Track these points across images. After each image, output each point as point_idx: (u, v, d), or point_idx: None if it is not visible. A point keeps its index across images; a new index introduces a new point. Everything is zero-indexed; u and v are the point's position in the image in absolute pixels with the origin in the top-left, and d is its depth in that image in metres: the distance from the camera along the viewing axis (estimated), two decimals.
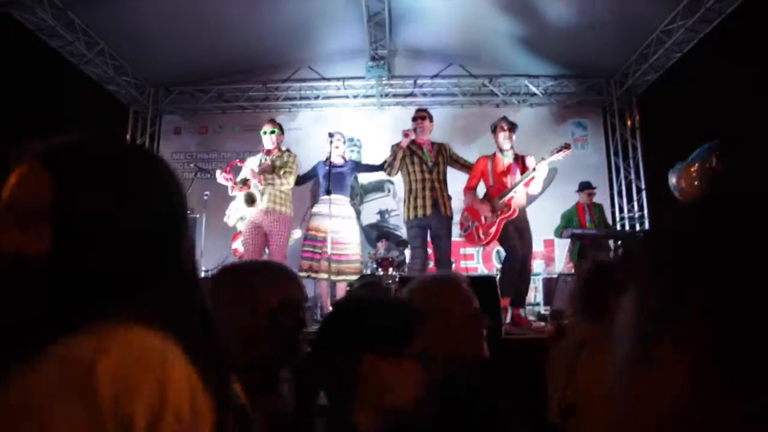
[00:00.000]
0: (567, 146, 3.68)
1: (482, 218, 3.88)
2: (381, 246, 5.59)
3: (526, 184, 3.78)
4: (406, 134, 4.03)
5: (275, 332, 1.02)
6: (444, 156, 4.17)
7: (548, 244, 6.58)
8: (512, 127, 3.96)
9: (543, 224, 5.72)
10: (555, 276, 5.02)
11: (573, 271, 4.94)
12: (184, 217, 0.67)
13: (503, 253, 3.79)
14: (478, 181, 4.01)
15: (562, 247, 6.19)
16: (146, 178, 0.64)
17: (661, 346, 0.31)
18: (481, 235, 3.88)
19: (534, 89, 7.12)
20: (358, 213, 6.29)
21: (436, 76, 7.11)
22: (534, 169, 3.70)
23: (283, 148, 4.25)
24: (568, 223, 5.43)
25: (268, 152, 4.24)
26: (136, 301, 0.59)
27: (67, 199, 0.57)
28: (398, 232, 6.40)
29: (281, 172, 4.04)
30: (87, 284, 0.57)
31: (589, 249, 5.09)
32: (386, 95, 7.20)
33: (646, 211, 6.88)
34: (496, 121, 4.06)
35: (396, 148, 4.11)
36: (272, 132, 4.27)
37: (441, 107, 7.09)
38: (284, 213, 4.07)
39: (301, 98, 7.27)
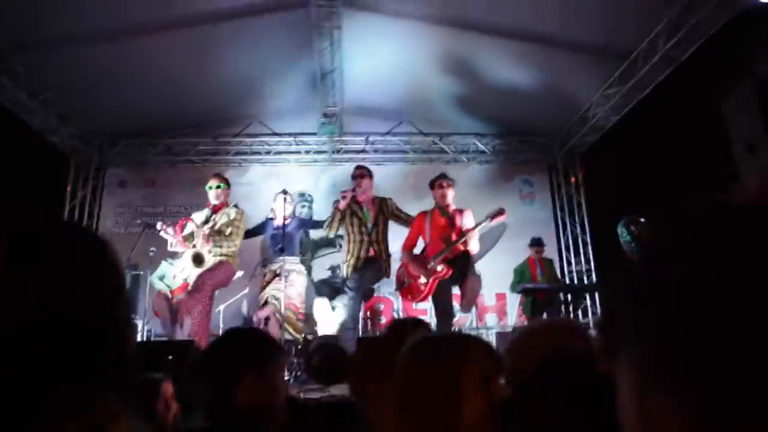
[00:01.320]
0: (501, 212, 3.66)
1: (417, 276, 3.85)
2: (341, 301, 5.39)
3: (460, 246, 3.73)
4: (343, 196, 4.00)
5: None
6: (385, 213, 4.12)
7: (500, 297, 6.59)
8: (450, 184, 3.94)
9: (496, 277, 5.79)
10: (509, 330, 5.14)
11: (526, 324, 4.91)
12: (120, 294, 0.65)
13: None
14: (416, 238, 3.96)
15: (514, 301, 6.25)
16: (74, 261, 0.61)
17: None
18: (418, 292, 3.88)
19: (482, 147, 7.26)
20: (309, 269, 6.17)
21: (387, 133, 7.17)
22: (463, 235, 3.70)
23: (230, 204, 4.18)
24: (520, 278, 5.50)
25: (215, 208, 4.16)
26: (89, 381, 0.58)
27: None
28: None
29: (228, 231, 3.98)
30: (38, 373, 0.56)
31: (542, 303, 5.18)
32: (338, 151, 7.21)
33: (592, 264, 7.00)
34: (434, 177, 4.03)
35: (335, 209, 4.09)
36: (218, 187, 4.18)
37: (392, 164, 7.18)
38: (232, 264, 4.03)
39: (252, 153, 7.21)
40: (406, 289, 3.94)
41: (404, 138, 7.16)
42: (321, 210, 6.69)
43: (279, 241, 4.21)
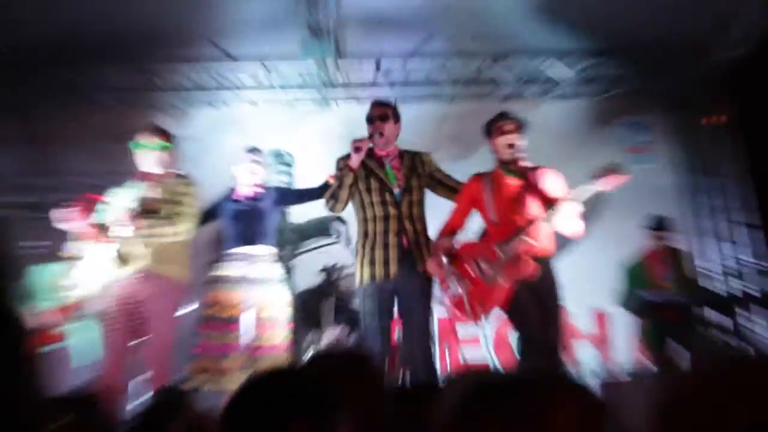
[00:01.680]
0: (614, 170, 3.65)
1: (476, 275, 3.88)
2: (334, 331, 5.76)
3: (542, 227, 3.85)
4: (357, 148, 4.04)
5: None
6: (421, 175, 4.19)
7: (599, 316, 6.55)
8: (518, 126, 3.98)
9: (589, 286, 5.71)
10: (620, 379, 4.91)
11: (654, 365, 5.03)
12: None
13: None
14: (465, 215, 4.06)
15: (624, 324, 6.04)
16: None
17: None
18: (475, 306, 3.87)
19: (562, 73, 7.03)
20: (289, 272, 6.19)
21: (410, 55, 6.92)
22: (554, 206, 3.73)
23: (179, 173, 4.32)
24: (634, 284, 5.40)
25: (150, 180, 4.20)
26: None
27: None
28: (353, 306, 6.18)
29: (172, 213, 4.12)
30: None
31: (675, 328, 5.05)
32: (333, 85, 7.13)
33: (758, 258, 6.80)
34: (491, 119, 4.08)
35: (343, 169, 4.13)
36: (159, 147, 4.27)
37: (418, 103, 7.09)
38: (173, 277, 4.11)
39: (199, 89, 7.10)
40: (456, 301, 3.97)
41: (436, 62, 7.00)
42: (307, 178, 6.44)
43: (244, 225, 4.37)
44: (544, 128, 6.65)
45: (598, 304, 6.32)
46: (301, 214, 6.45)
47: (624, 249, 5.76)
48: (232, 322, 4.19)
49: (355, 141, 4.10)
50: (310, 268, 6.63)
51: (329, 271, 6.64)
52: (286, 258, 6.18)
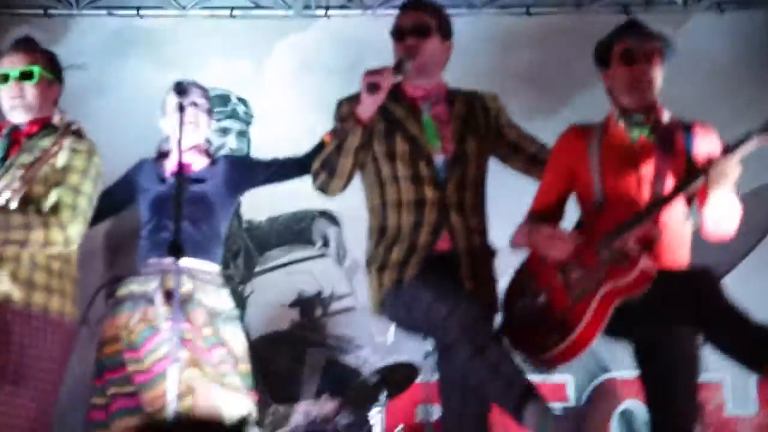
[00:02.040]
0: None
1: (560, 284, 3.79)
2: (321, 406, 5.75)
3: (693, 200, 3.78)
4: (372, 84, 3.70)
5: None
6: (484, 134, 4.11)
7: None
8: (655, 50, 3.79)
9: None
10: None
11: None
12: None
13: None
14: (561, 191, 4.00)
15: None
16: None
17: None
18: (554, 332, 3.72)
19: None
20: (243, 301, 6.41)
21: None
22: (704, 171, 3.52)
23: (71, 127, 4.08)
24: None
25: (16, 135, 4.02)
26: None
27: None
28: (355, 361, 6.37)
29: (62, 202, 3.88)
30: None
31: None
32: None
33: None
34: (609, 35, 3.96)
35: (346, 120, 3.96)
36: (25, 77, 4.00)
37: (468, 15, 6.94)
38: (52, 311, 3.86)
39: None
40: (525, 321, 3.92)
41: None
42: (274, 139, 6.41)
43: (169, 223, 4.27)
44: (692, 60, 6.41)
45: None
46: (262, 206, 6.37)
47: None
48: (141, 371, 4.08)
49: (370, 73, 3.72)
50: (275, 298, 6.58)
51: (309, 302, 6.57)
52: (234, 280, 6.40)
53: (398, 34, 4.02)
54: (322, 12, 6.98)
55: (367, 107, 3.76)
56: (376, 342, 5.92)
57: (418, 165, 3.92)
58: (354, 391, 5.60)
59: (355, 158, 3.87)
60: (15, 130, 4.00)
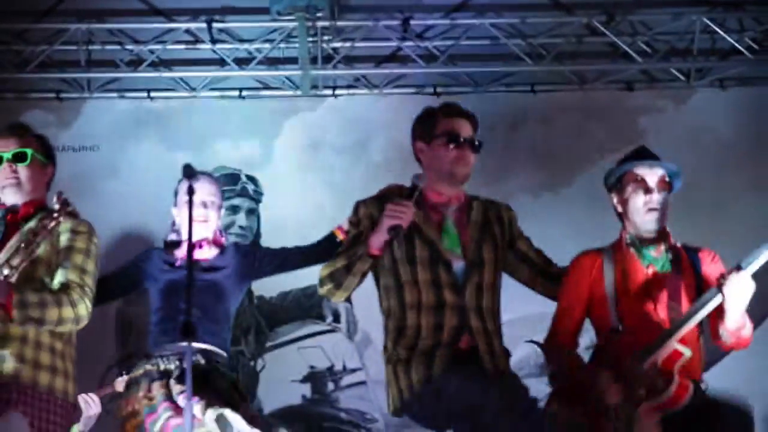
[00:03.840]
0: None
1: (593, 412, 3.92)
2: None
3: (713, 328, 3.90)
4: (395, 226, 3.92)
5: None
6: (498, 241, 4.23)
7: None
8: (665, 180, 4.04)
9: None
10: None
11: None
12: None
13: None
14: (580, 315, 4.14)
15: None
16: None
17: None
18: None
19: (731, 37, 6.95)
20: (256, 378, 6.56)
21: (460, 6, 7.00)
22: (719, 288, 3.70)
23: (54, 206, 4.04)
24: None
25: (13, 220, 4.09)
26: None
27: None
28: None
29: (59, 282, 3.95)
30: None
31: None
32: (327, 59, 7.07)
33: None
34: (622, 160, 4.17)
35: (365, 215, 4.14)
36: (18, 159, 4.10)
37: (472, 93, 7.04)
38: (57, 391, 3.93)
39: (95, 65, 7.09)
40: None
41: (505, 18, 7.00)
42: (283, 223, 6.66)
43: (180, 311, 4.15)
44: (695, 134, 6.89)
45: None
46: (272, 281, 5.97)
47: None
48: (146, 416, 4.15)
49: (394, 210, 3.86)
50: (286, 373, 6.70)
51: (321, 377, 6.74)
52: (246, 356, 6.53)
53: (450, 138, 4.07)
54: (329, 91, 7.13)
55: (380, 242, 3.90)
56: (389, 416, 5.90)
57: (438, 270, 4.01)
58: None
59: (361, 280, 4.00)
60: (10, 212, 4.07)
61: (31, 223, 3.96)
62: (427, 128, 4.18)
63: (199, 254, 4.48)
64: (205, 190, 4.47)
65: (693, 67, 7.06)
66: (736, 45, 6.93)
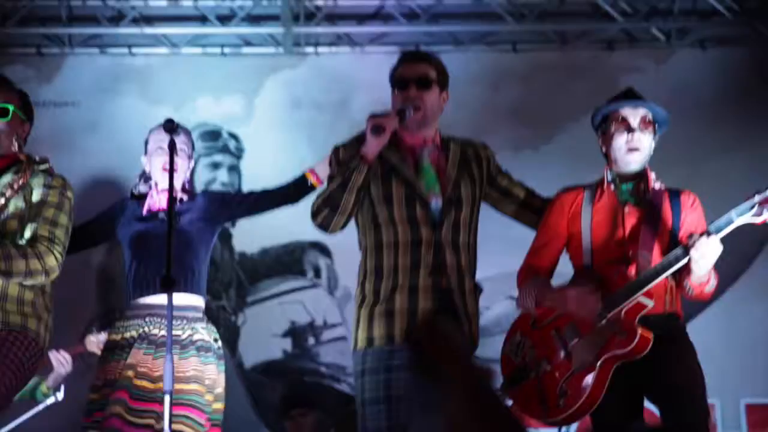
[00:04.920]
0: None
1: (560, 352, 4.04)
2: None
3: (685, 277, 3.92)
4: (377, 127, 3.98)
5: None
6: (475, 179, 4.31)
7: (758, 414, 6.74)
8: (649, 121, 4.10)
9: (740, 371, 6.20)
10: None
11: None
12: None
13: None
14: (558, 250, 4.22)
15: None
16: None
17: None
18: (558, 398, 3.97)
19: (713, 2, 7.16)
20: (236, 333, 6.72)
21: None
22: (686, 249, 3.80)
23: (39, 162, 4.24)
24: None
25: None
26: None
27: None
28: (348, 389, 6.57)
29: (28, 236, 4.05)
30: None
31: None
32: (309, 16, 7.23)
33: None
34: (608, 101, 4.22)
35: (345, 157, 4.20)
36: (6, 114, 4.12)
37: (455, 51, 7.23)
38: (30, 328, 4.05)
39: (76, 20, 7.25)
40: (527, 387, 4.09)
41: None
42: (261, 175, 6.41)
43: (157, 258, 4.27)
44: (675, 94, 6.84)
45: (754, 396, 6.56)
46: (253, 237, 6.62)
47: None
48: (139, 412, 4.16)
49: (375, 116, 3.96)
50: (267, 328, 6.87)
51: (300, 333, 6.90)
52: (227, 311, 6.66)
53: (400, 83, 4.20)
54: (311, 49, 7.32)
55: (372, 147, 3.99)
56: None
57: (414, 207, 4.09)
58: (348, 420, 5.46)
59: (357, 196, 4.05)
60: None
61: (5, 179, 4.05)
62: (390, 77, 4.31)
63: (160, 204, 4.58)
64: (177, 137, 4.49)
65: (673, 27, 7.20)
66: (717, 6, 7.02)
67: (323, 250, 6.83)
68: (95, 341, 5.26)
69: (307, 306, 6.79)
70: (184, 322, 4.40)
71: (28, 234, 4.02)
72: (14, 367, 3.99)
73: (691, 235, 3.81)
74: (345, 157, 4.17)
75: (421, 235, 4.06)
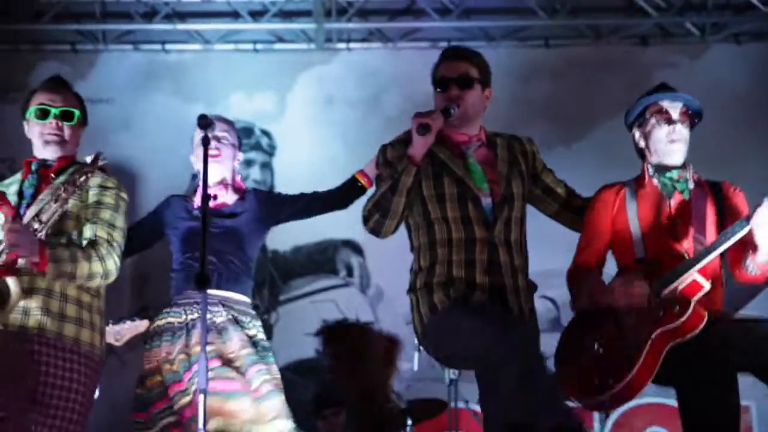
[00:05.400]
0: None
1: (614, 333, 3.99)
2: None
3: (737, 261, 3.86)
4: (423, 125, 3.90)
5: None
6: (524, 175, 4.24)
7: None
8: (688, 112, 4.03)
9: None
10: None
11: None
12: None
13: None
14: (602, 250, 4.17)
15: None
16: None
17: None
18: (608, 378, 3.87)
19: None
20: (269, 332, 6.29)
21: None
22: (747, 220, 3.69)
23: (100, 164, 4.18)
24: None
25: (45, 174, 4.06)
26: None
27: None
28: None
29: (87, 237, 3.99)
30: None
31: None
32: (341, 12, 7.36)
33: None
34: (644, 95, 4.12)
35: (393, 157, 4.15)
36: (66, 117, 4.07)
37: (488, 47, 7.14)
38: (83, 343, 3.97)
39: (110, 17, 7.39)
40: (574, 366, 4.06)
41: None
42: (296, 176, 6.64)
43: (195, 256, 4.22)
44: (710, 90, 6.75)
45: None
46: (286, 236, 6.51)
47: None
48: (185, 371, 4.13)
49: (420, 114, 3.89)
50: (300, 326, 6.87)
51: (332, 330, 6.88)
52: (260, 309, 6.40)
53: (442, 83, 4.18)
54: (343, 45, 7.41)
55: (419, 148, 3.94)
56: (401, 369, 5.97)
57: (466, 205, 4.07)
58: (382, 418, 5.73)
59: (407, 198, 4.01)
60: (43, 166, 4.11)
61: (62, 178, 4.04)
62: (432, 76, 4.27)
63: (220, 198, 4.51)
64: (217, 127, 4.45)
65: (708, 22, 7.22)
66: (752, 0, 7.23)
67: (356, 248, 6.83)
68: (111, 332, 5.20)
69: (340, 305, 6.80)
70: (250, 318, 4.45)
71: (87, 234, 3.99)
72: (76, 397, 3.97)
73: (750, 210, 3.78)
74: (392, 157, 4.14)
75: (474, 234, 4.04)
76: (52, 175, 4.06)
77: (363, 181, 4.42)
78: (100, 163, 4.10)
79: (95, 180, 4.04)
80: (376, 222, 4.01)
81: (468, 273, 4.00)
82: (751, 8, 7.11)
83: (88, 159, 4.11)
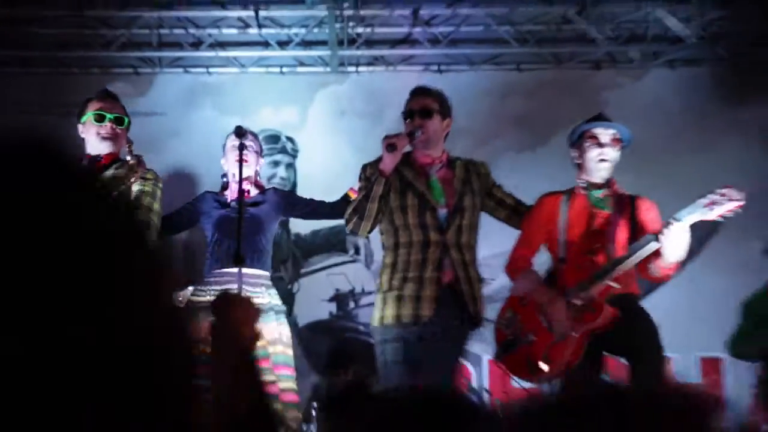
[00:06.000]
0: (731, 197, 4.04)
1: (542, 324, 4.33)
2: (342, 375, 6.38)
3: (643, 264, 4.24)
4: (390, 145, 4.39)
5: None
6: (476, 192, 4.63)
7: (709, 365, 6.98)
8: (616, 139, 4.41)
9: (695, 328, 6.39)
10: None
11: None
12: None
13: None
14: (537, 246, 4.54)
15: (739, 375, 6.37)
16: None
17: None
18: (540, 362, 4.26)
19: (676, 28, 7.31)
20: (292, 299, 7.02)
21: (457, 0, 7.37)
22: (657, 237, 4.08)
23: (132, 160, 4.61)
24: (759, 325, 5.36)
25: (98, 165, 4.53)
26: None
27: None
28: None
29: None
30: None
31: None
32: (351, 42, 7.66)
33: None
34: (580, 123, 4.53)
35: (371, 173, 4.53)
36: (118, 122, 4.64)
37: (470, 70, 7.69)
38: None
39: (164, 46, 7.71)
40: (517, 354, 4.41)
41: (498, 10, 7.42)
42: (312, 173, 7.32)
43: (231, 240, 4.60)
44: (649, 107, 7.42)
45: (706, 350, 6.78)
46: (306, 221, 6.85)
47: (743, 279, 6.02)
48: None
49: (389, 137, 4.41)
50: (317, 294, 7.35)
51: (344, 298, 7.34)
52: (284, 281, 7.00)
53: (408, 115, 4.57)
54: (353, 68, 7.73)
55: (388, 163, 4.37)
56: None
57: (425, 215, 4.45)
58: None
59: (379, 204, 4.39)
60: (94, 161, 4.51)
61: (110, 172, 4.47)
62: (403, 109, 4.71)
63: (233, 195, 4.84)
64: (248, 140, 4.87)
65: (648, 50, 7.58)
66: (683, 33, 7.32)
67: (362, 242, 7.12)
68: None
69: (349, 277, 7.23)
70: (264, 288, 4.75)
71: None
72: None
73: (665, 223, 4.10)
74: (370, 173, 4.51)
75: (430, 238, 4.44)
76: (102, 169, 4.50)
77: (353, 196, 4.69)
78: (143, 165, 4.55)
79: (145, 174, 4.55)
80: (355, 223, 4.47)
81: (422, 270, 4.39)
82: (683, 40, 7.41)
83: (128, 157, 4.53)
